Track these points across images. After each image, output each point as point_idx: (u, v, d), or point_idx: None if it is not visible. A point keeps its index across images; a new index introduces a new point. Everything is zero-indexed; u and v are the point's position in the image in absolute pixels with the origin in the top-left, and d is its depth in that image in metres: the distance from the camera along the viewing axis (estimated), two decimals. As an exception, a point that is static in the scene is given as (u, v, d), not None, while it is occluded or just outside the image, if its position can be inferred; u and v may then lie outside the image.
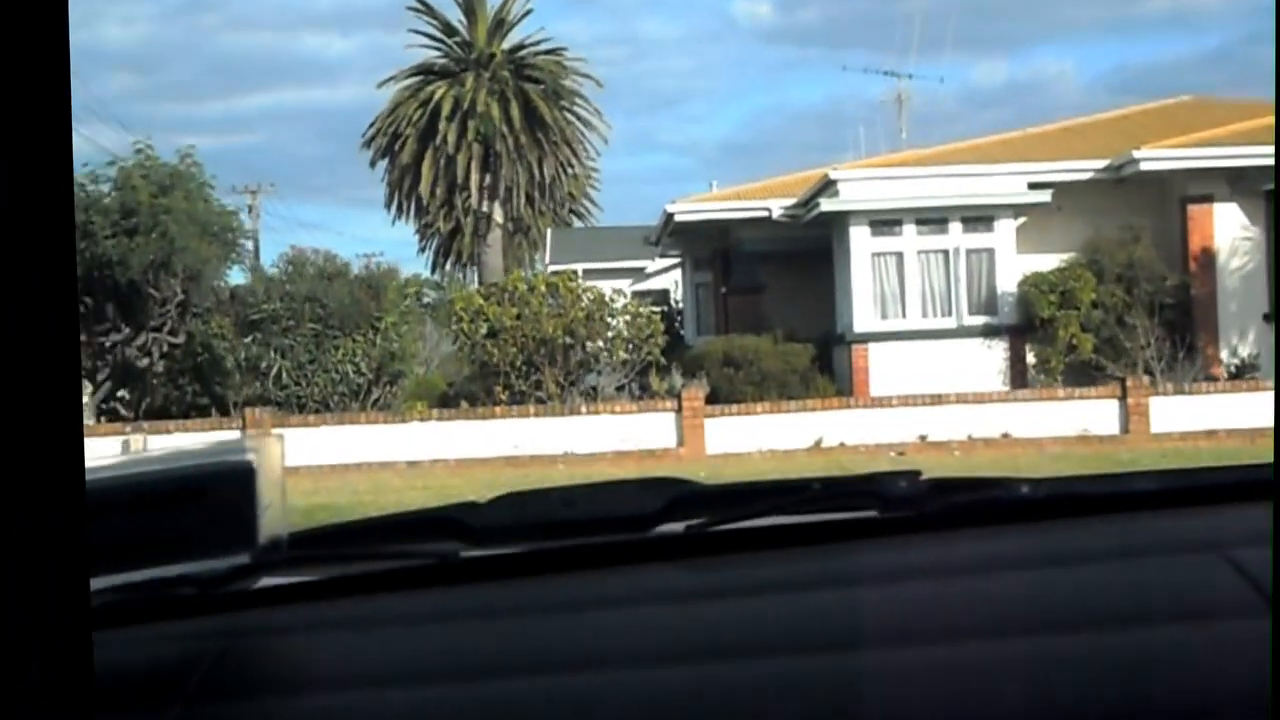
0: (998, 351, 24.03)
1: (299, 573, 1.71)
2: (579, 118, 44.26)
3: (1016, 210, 24.30)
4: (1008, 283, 24.11)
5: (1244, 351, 23.28)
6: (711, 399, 21.98)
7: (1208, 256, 23.79)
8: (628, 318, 23.89)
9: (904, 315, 24.27)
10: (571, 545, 1.73)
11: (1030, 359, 23.88)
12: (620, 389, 23.12)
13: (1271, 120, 26.53)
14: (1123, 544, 1.64)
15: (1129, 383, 19.26)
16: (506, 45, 43.70)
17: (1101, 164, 24.32)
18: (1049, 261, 23.94)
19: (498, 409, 21.62)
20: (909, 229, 24.30)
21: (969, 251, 24.23)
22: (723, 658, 1.44)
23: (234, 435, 17.58)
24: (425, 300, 39.35)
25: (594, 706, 1.40)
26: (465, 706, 1.43)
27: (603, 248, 40.95)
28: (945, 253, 24.28)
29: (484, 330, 23.28)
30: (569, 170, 44.15)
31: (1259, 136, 23.98)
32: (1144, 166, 23.54)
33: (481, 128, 41.91)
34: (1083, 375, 22.84)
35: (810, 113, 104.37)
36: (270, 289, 24.08)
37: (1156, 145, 23.91)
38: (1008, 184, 24.23)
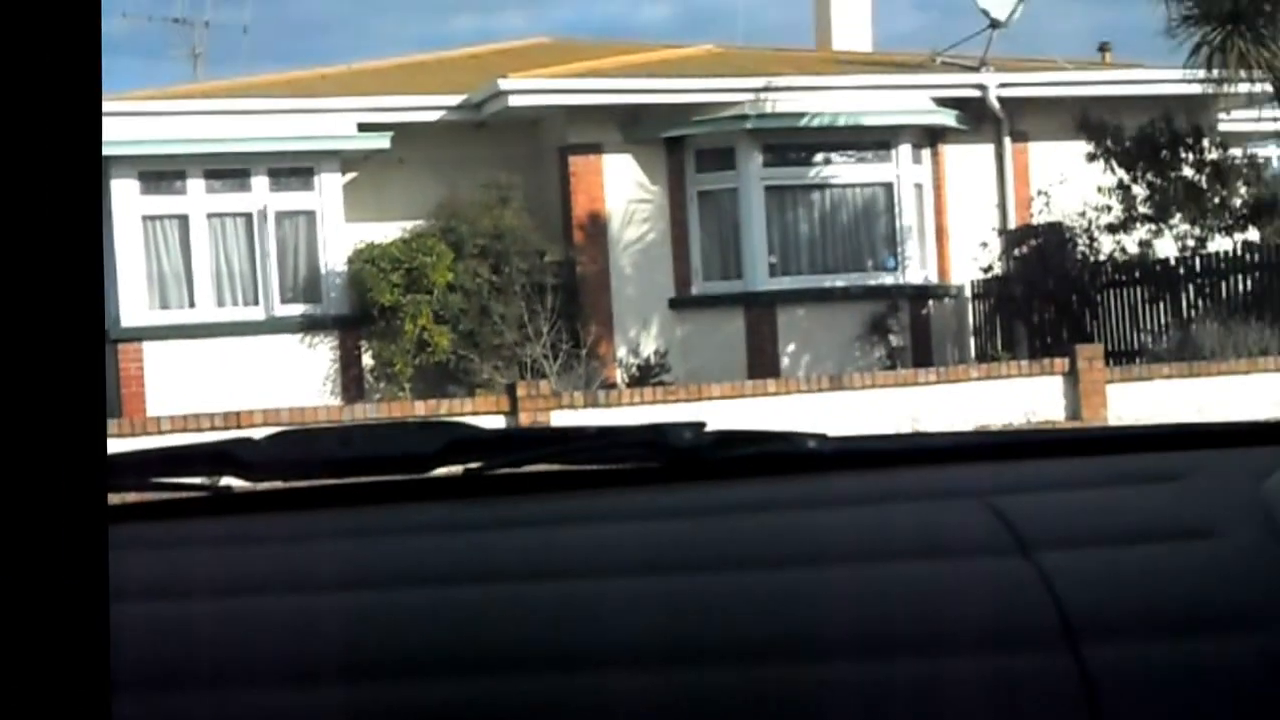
0: (323, 351, 17.58)
1: None
2: None
3: (344, 160, 17.91)
4: (335, 259, 17.68)
5: (647, 348, 17.71)
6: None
7: (597, 225, 18.09)
8: None
9: (192, 304, 17.45)
10: (347, 483, 1.71)
11: (368, 360, 17.55)
12: None
13: (673, 54, 21.43)
14: (893, 490, 1.66)
15: (521, 392, 13.22)
16: None
17: (456, 99, 18.21)
18: (390, 230, 17.60)
19: None
20: (195, 184, 17.47)
21: (281, 215, 17.66)
22: (495, 581, 1.40)
23: None
24: None
25: (357, 622, 1.34)
26: (226, 619, 1.35)
27: None
28: (248, 217, 17.61)
29: None
30: None
31: (657, 69, 18.70)
32: (513, 102, 17.52)
33: None
34: (441, 381, 16.67)
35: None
36: None
37: (528, 74, 18.07)
38: (331, 123, 17.75)
